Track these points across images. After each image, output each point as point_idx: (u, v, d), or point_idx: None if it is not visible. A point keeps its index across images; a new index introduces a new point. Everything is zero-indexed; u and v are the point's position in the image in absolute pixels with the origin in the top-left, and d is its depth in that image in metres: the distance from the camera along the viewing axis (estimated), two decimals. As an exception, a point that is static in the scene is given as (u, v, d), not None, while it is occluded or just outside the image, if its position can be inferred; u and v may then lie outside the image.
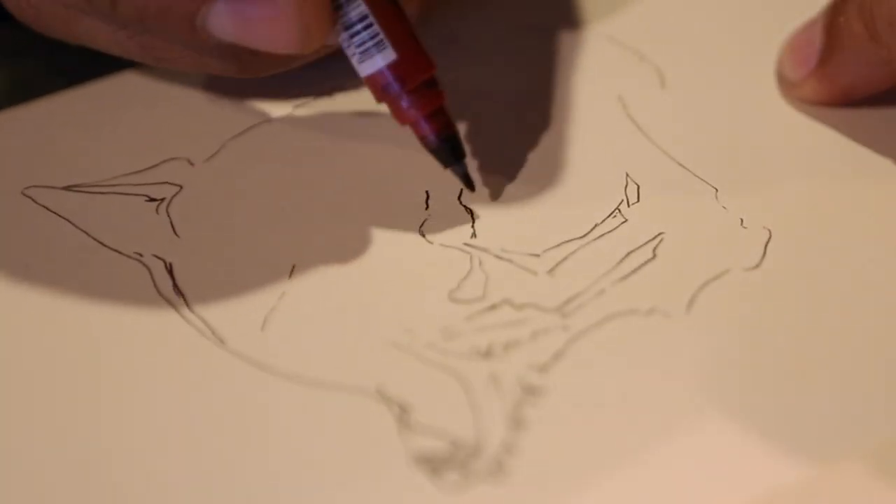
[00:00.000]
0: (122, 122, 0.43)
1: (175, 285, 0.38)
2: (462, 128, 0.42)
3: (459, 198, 0.40)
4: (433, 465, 0.34)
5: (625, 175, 0.41)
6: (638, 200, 0.40)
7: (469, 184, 0.40)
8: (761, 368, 0.36)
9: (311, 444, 0.34)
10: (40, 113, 0.44)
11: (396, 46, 0.38)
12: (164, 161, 0.42)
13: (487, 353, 0.36)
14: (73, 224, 0.40)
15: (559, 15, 0.47)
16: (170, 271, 0.38)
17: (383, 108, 0.39)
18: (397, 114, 0.39)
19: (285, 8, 0.36)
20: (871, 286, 0.38)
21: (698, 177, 0.41)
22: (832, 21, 0.42)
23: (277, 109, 0.44)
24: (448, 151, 0.39)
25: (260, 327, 0.37)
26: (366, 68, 0.38)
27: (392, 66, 0.38)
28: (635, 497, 0.33)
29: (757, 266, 0.38)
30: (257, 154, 0.42)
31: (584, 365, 0.36)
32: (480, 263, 0.38)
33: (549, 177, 0.41)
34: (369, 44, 0.38)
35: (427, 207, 0.40)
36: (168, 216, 0.40)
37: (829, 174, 0.41)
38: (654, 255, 0.39)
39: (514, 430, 0.34)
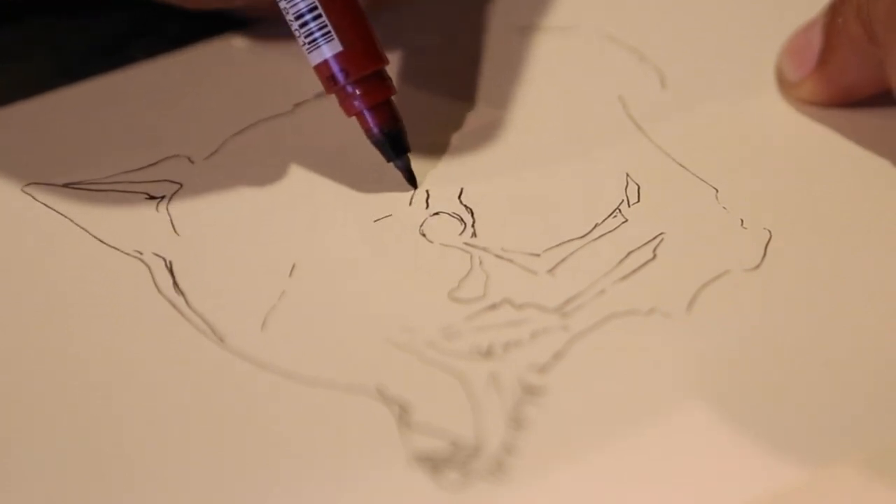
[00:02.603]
0: (122, 119, 0.43)
1: (175, 283, 0.38)
2: (460, 126, 0.42)
3: (460, 197, 0.40)
4: (433, 463, 0.34)
5: (625, 175, 0.41)
6: (638, 200, 0.40)
7: (411, 179, 0.40)
8: (761, 369, 0.36)
9: (310, 443, 0.34)
10: (40, 110, 0.44)
11: (343, 37, 0.38)
12: (165, 159, 0.42)
13: (488, 353, 0.36)
14: (73, 221, 0.40)
15: (559, 15, 0.47)
16: (170, 269, 0.38)
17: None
18: (344, 105, 0.40)
19: None
20: (871, 287, 0.38)
21: (698, 177, 0.41)
22: (831, 22, 0.42)
23: (278, 107, 0.43)
24: (389, 145, 0.40)
25: (260, 326, 0.37)
26: (314, 58, 0.39)
27: (338, 57, 0.39)
28: (635, 496, 0.33)
29: (757, 267, 0.38)
30: (257, 152, 0.42)
31: (584, 365, 0.36)
32: (481, 263, 0.38)
33: (550, 177, 0.41)
34: (317, 34, 0.39)
35: (427, 207, 0.40)
36: (168, 214, 0.40)
37: (829, 174, 0.41)
38: (655, 256, 0.39)
39: (514, 429, 0.34)
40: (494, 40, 0.46)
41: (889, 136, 0.42)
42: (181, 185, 0.41)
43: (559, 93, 0.44)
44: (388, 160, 0.40)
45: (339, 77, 0.39)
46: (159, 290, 0.38)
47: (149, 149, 0.42)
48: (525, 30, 0.46)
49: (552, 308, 0.37)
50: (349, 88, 0.39)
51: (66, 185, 0.41)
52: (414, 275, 0.38)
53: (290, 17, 0.39)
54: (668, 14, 0.47)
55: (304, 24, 0.39)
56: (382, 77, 0.40)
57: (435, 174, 0.41)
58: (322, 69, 0.39)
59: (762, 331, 0.37)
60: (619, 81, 0.44)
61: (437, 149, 0.42)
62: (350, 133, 0.42)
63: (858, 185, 0.41)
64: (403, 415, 0.35)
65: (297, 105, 0.44)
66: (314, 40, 0.39)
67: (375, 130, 0.40)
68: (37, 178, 0.41)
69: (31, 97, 0.44)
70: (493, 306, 0.37)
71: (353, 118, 0.40)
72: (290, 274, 0.38)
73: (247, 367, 0.36)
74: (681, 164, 0.41)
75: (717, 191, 0.40)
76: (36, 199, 0.41)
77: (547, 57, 0.45)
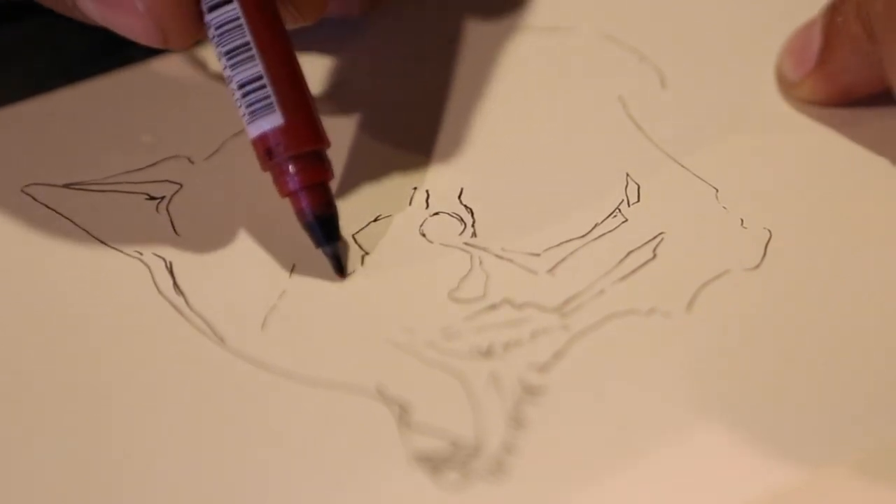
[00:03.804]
0: (122, 119, 0.43)
1: (175, 284, 0.38)
2: (461, 127, 0.42)
3: (460, 197, 0.40)
4: (433, 463, 0.34)
5: (625, 175, 0.41)
6: (638, 200, 0.40)
7: (340, 269, 0.38)
8: (761, 369, 0.36)
9: (311, 444, 0.34)
10: (40, 110, 0.44)
11: (286, 110, 0.37)
12: (165, 159, 0.42)
13: (487, 353, 0.36)
14: (73, 222, 0.40)
15: (559, 15, 0.47)
16: (170, 270, 0.38)
17: (382, 107, 0.39)
18: (277, 182, 0.38)
19: (137, 2, 0.36)
20: (871, 287, 0.38)
21: (698, 177, 0.41)
22: (831, 21, 0.42)
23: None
24: (320, 231, 0.38)
25: (260, 326, 0.37)
26: (252, 130, 0.37)
27: (279, 130, 0.37)
28: (634, 496, 0.33)
29: (757, 266, 0.38)
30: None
31: (584, 365, 0.36)
32: (481, 263, 0.38)
33: (550, 176, 0.41)
34: (258, 105, 0.37)
35: (427, 206, 0.40)
36: (168, 214, 0.40)
37: (829, 174, 0.41)
38: (655, 255, 0.39)
39: (514, 429, 0.34)
40: (494, 40, 0.46)
41: (889, 136, 0.42)
42: (181, 186, 0.41)
43: (559, 93, 0.44)
44: (317, 245, 0.38)
45: (277, 151, 0.37)
46: (159, 291, 0.38)
47: (149, 149, 0.42)
48: (525, 30, 0.46)
49: (552, 308, 0.37)
50: (286, 165, 0.37)
51: (66, 186, 0.41)
52: (414, 275, 0.38)
53: (232, 86, 0.37)
54: (668, 14, 0.47)
55: (247, 93, 0.37)
56: (321, 158, 0.38)
57: (435, 174, 0.41)
58: (260, 142, 0.37)
59: (762, 331, 0.37)
60: (619, 81, 0.44)
61: (438, 149, 0.42)
62: (350, 134, 0.42)
63: (858, 185, 0.41)
64: (403, 415, 0.35)
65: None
66: (254, 111, 0.37)
67: (308, 213, 0.37)
68: (37, 179, 0.41)
69: (31, 97, 0.44)
70: (493, 306, 0.37)
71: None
72: (291, 274, 0.38)
73: (247, 367, 0.36)
74: (681, 164, 0.41)
75: (717, 190, 0.41)
76: (36, 200, 0.41)
77: (547, 57, 0.45)
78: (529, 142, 0.42)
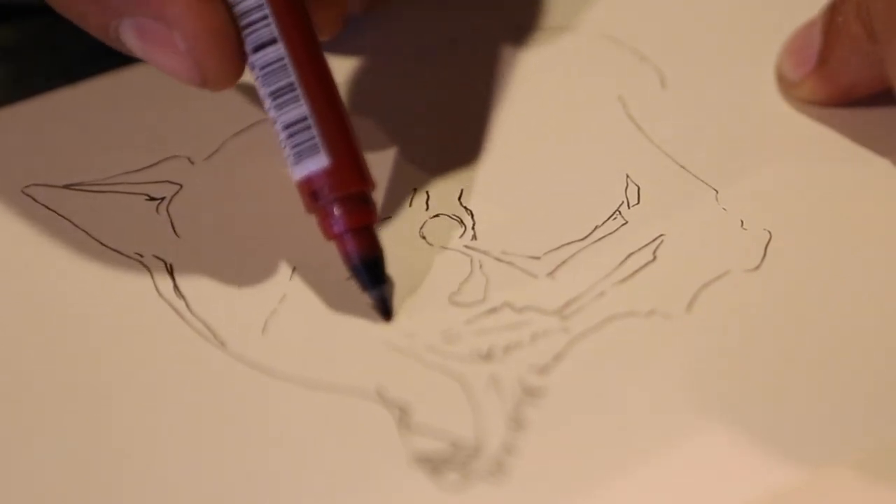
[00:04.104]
0: (122, 120, 0.43)
1: (175, 286, 0.38)
2: (461, 128, 0.42)
3: (460, 199, 0.40)
4: (433, 464, 0.34)
5: (625, 176, 0.41)
6: (638, 202, 0.40)
7: (386, 312, 0.37)
8: (761, 369, 0.36)
9: (311, 446, 0.34)
10: (40, 111, 0.44)
11: (332, 151, 0.36)
12: (165, 159, 0.42)
13: (488, 356, 0.36)
14: (73, 223, 0.40)
15: (559, 15, 0.47)
16: (170, 272, 0.38)
17: (381, 109, 0.39)
18: (323, 225, 0.37)
19: (178, 41, 0.35)
20: (871, 287, 0.38)
21: (699, 178, 0.41)
22: (831, 21, 0.42)
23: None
24: (366, 274, 0.37)
25: (261, 330, 0.37)
26: (297, 172, 0.36)
27: (326, 172, 0.36)
28: (635, 497, 0.33)
29: (757, 268, 0.38)
30: (258, 152, 0.42)
31: (585, 367, 0.36)
32: (481, 266, 0.38)
33: (550, 178, 0.41)
34: (304, 146, 0.36)
35: (427, 209, 0.40)
36: (168, 215, 0.40)
37: (830, 174, 0.41)
38: (655, 257, 0.39)
39: (514, 430, 0.35)
40: (494, 40, 0.46)
41: (889, 136, 0.42)
42: (181, 186, 0.41)
43: (559, 93, 0.44)
44: (364, 289, 0.37)
45: (322, 193, 0.36)
46: (160, 294, 0.38)
47: (149, 149, 0.42)
48: (525, 30, 0.46)
49: (552, 310, 0.37)
50: (331, 207, 0.36)
51: (66, 187, 0.41)
52: (414, 278, 0.38)
53: (277, 127, 0.36)
54: (668, 14, 0.47)
55: (292, 134, 0.36)
56: (367, 200, 0.37)
57: (435, 176, 0.41)
58: (306, 184, 0.36)
59: (762, 331, 0.37)
60: (619, 81, 0.44)
61: (438, 150, 0.42)
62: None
63: (858, 185, 0.41)
64: (403, 416, 0.35)
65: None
66: (300, 153, 0.36)
67: (354, 256, 0.37)
68: (37, 180, 0.41)
69: (31, 97, 0.44)
70: (494, 310, 0.37)
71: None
72: (291, 277, 0.38)
73: (248, 370, 0.36)
74: (681, 165, 0.41)
75: (716, 192, 0.40)
76: (36, 201, 0.41)
77: (547, 57, 0.45)
78: (529, 143, 0.42)
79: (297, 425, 0.35)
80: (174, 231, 0.40)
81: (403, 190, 0.41)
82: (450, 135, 0.43)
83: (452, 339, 0.37)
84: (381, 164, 0.41)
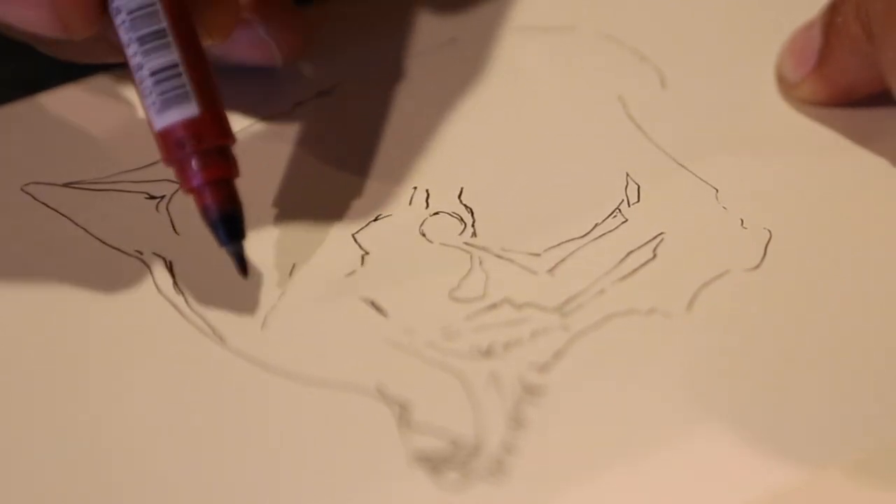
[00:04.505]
0: (121, 119, 0.43)
1: (175, 283, 0.38)
2: (461, 127, 0.42)
3: (460, 196, 0.40)
4: (433, 463, 0.34)
5: (625, 175, 0.41)
6: (638, 200, 0.40)
7: (243, 268, 0.37)
8: (761, 369, 0.36)
9: (310, 443, 0.34)
10: (40, 109, 0.44)
11: (202, 102, 0.36)
12: (164, 158, 0.42)
13: (488, 353, 0.36)
14: (73, 221, 0.40)
15: (559, 15, 0.47)
16: (170, 269, 0.38)
17: (381, 107, 0.39)
18: (182, 176, 0.36)
19: None
20: (871, 287, 0.38)
21: (699, 177, 0.41)
22: (830, 21, 0.42)
23: (277, 107, 0.43)
24: (224, 228, 0.36)
25: (260, 326, 0.37)
26: (163, 119, 0.36)
27: (195, 122, 0.35)
28: (634, 496, 0.33)
29: (757, 267, 0.38)
30: (256, 152, 0.42)
31: (584, 364, 0.36)
32: (481, 263, 0.38)
33: (550, 176, 0.41)
34: (172, 94, 0.35)
35: (427, 206, 0.40)
36: (168, 213, 0.40)
37: (829, 174, 0.41)
38: (655, 255, 0.39)
39: (514, 429, 0.34)
40: (495, 40, 0.46)
41: (889, 136, 0.42)
42: (181, 185, 0.41)
43: (559, 93, 0.44)
44: (221, 245, 0.36)
45: (186, 144, 0.35)
46: (159, 290, 0.38)
47: (149, 148, 0.42)
48: (525, 30, 0.46)
49: (552, 308, 0.37)
50: (194, 158, 0.35)
51: (66, 185, 0.41)
52: (414, 274, 0.38)
53: (142, 73, 0.36)
54: (668, 14, 0.47)
55: (160, 80, 0.36)
56: (227, 155, 0.36)
57: (435, 174, 0.41)
58: (169, 132, 0.36)
59: (762, 331, 0.37)
60: (619, 81, 0.44)
61: (438, 149, 0.42)
62: (350, 133, 0.42)
63: (858, 185, 0.41)
64: (403, 414, 0.35)
65: (297, 105, 0.44)
66: (167, 100, 0.35)
67: (213, 210, 0.36)
68: (37, 178, 0.41)
69: (31, 97, 0.44)
70: (493, 306, 0.37)
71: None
72: (291, 273, 0.38)
73: (247, 367, 0.36)
74: (681, 164, 0.41)
75: (717, 191, 0.41)
76: (36, 199, 0.41)
77: (547, 57, 0.45)
78: (529, 141, 0.42)
79: (296, 422, 0.35)
80: (174, 229, 0.40)
81: (403, 188, 0.41)
82: (450, 133, 0.43)
83: (452, 335, 0.37)
84: (381, 162, 0.41)
